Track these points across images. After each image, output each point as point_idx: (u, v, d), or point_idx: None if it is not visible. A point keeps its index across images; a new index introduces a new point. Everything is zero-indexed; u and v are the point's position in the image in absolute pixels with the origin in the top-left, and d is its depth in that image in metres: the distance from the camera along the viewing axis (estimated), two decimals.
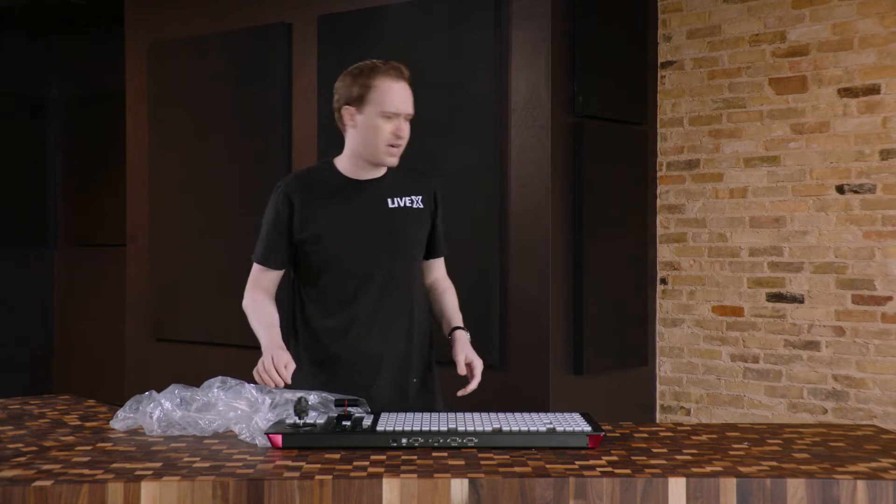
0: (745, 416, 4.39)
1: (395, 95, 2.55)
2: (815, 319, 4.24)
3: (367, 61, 2.59)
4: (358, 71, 2.58)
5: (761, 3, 4.36)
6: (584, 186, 4.22)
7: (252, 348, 5.01)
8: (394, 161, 2.59)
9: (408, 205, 2.67)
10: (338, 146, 4.68)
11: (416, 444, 2.11)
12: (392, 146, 2.56)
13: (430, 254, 2.78)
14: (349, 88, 2.58)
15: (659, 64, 4.64)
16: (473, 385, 2.61)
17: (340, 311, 2.64)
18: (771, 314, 4.34)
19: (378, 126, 2.55)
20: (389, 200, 2.65)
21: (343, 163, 2.68)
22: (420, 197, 2.70)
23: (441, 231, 2.80)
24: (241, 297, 5.18)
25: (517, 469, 1.93)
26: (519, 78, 4.16)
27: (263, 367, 2.44)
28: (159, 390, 2.34)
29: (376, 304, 2.64)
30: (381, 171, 2.66)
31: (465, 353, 2.64)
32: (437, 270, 2.84)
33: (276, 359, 2.44)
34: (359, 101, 2.56)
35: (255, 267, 2.76)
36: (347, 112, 2.59)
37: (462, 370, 2.62)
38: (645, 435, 2.29)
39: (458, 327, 2.74)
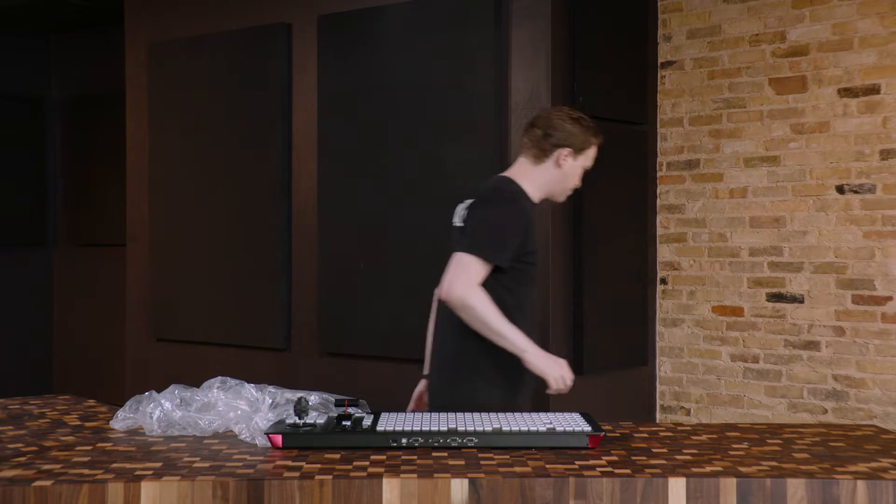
0: (745, 416, 4.39)
1: (593, 158, 2.98)
2: (815, 319, 4.24)
3: (590, 120, 2.94)
4: (588, 126, 2.91)
5: (761, 3, 4.36)
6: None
7: (252, 348, 5.03)
8: (562, 200, 3.04)
9: None
10: (337, 145, 4.69)
11: (416, 444, 2.11)
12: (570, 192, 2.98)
13: None
14: (579, 137, 2.88)
15: (659, 64, 4.64)
16: None
17: (526, 320, 2.85)
18: (771, 314, 4.34)
19: (577, 175, 2.93)
20: None
21: (526, 185, 2.90)
22: None
23: None
24: (241, 297, 5.21)
25: (517, 469, 1.93)
26: (519, 78, 4.16)
27: (559, 375, 2.72)
28: (159, 390, 2.34)
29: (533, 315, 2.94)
30: None
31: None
32: None
33: (565, 364, 2.75)
34: (578, 151, 2.89)
35: (481, 265, 2.72)
36: (564, 153, 2.87)
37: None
38: (645, 435, 2.29)
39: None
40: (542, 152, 2.88)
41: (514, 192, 2.84)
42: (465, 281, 2.69)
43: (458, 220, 2.90)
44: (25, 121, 7.00)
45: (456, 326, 2.78)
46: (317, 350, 4.74)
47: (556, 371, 2.71)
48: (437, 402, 2.86)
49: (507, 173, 2.94)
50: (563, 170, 2.88)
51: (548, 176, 2.89)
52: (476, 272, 2.71)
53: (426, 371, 3.03)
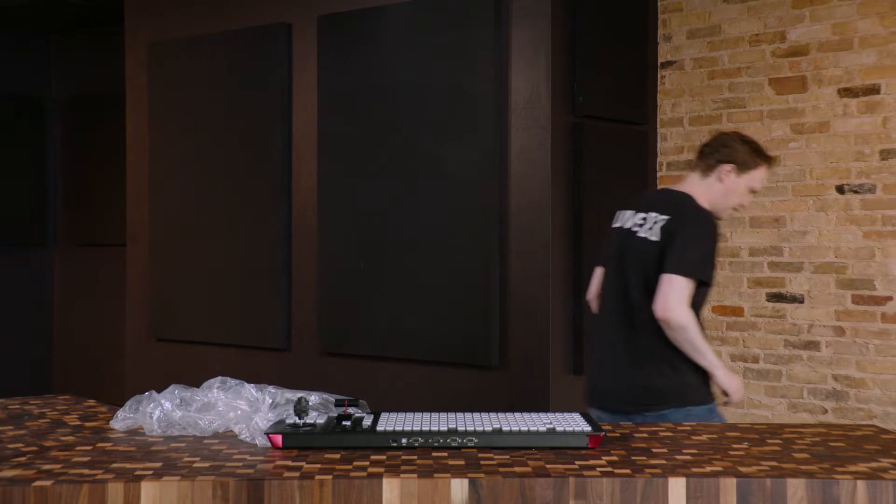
0: (745, 416, 4.39)
1: (763, 182, 3.10)
2: (815, 319, 4.24)
3: (763, 146, 3.09)
4: (757, 149, 3.05)
5: (761, 3, 4.36)
6: (584, 186, 4.22)
7: (252, 348, 5.03)
8: (725, 217, 3.12)
9: None
10: (337, 145, 4.69)
11: (416, 444, 2.11)
12: (734, 210, 3.09)
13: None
14: (745, 156, 3.02)
15: (659, 64, 4.64)
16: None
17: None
18: (771, 314, 4.34)
19: (742, 194, 3.04)
20: None
21: (698, 200, 3.05)
22: None
23: None
24: (241, 297, 5.21)
25: (517, 469, 1.93)
26: (519, 78, 4.16)
27: (740, 391, 3.00)
28: (159, 390, 2.34)
29: None
30: None
31: None
32: None
33: (740, 381, 3.03)
34: (742, 169, 3.01)
35: (693, 286, 2.93)
36: (727, 169, 3.01)
37: None
38: (645, 435, 2.29)
39: None
40: (707, 167, 3.06)
41: (709, 212, 3.03)
42: (681, 303, 2.89)
43: (644, 232, 3.02)
44: (25, 121, 7.00)
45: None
46: (317, 350, 4.74)
47: (737, 386, 3.00)
48: (635, 383, 3.02)
49: (681, 188, 3.11)
50: (724, 185, 3.02)
51: (712, 192, 3.04)
52: (689, 294, 2.91)
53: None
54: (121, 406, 2.38)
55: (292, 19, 4.87)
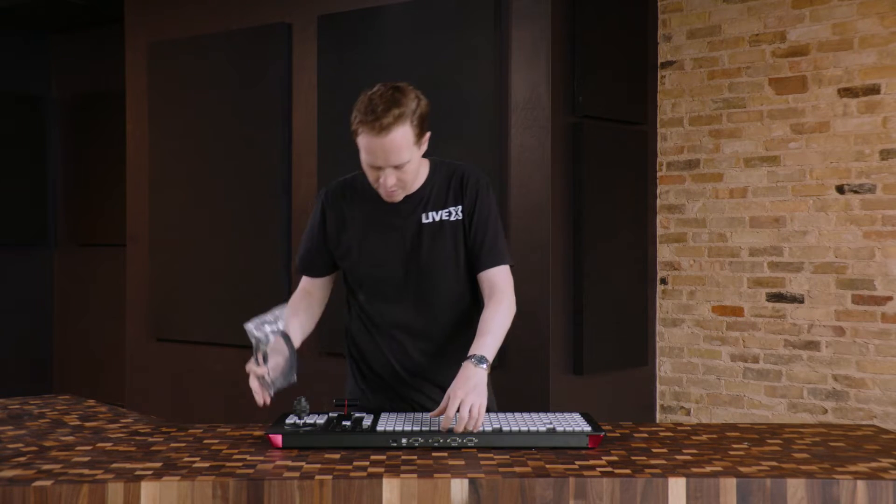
0: (745, 416, 4.39)
1: (373, 152, 2.31)
2: (815, 319, 4.24)
3: (362, 98, 2.32)
4: (354, 110, 2.33)
5: (761, 3, 4.36)
6: (584, 186, 4.22)
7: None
8: (392, 200, 2.43)
9: (444, 218, 2.49)
10: (336, 146, 4.69)
11: (416, 444, 2.11)
12: (385, 190, 2.40)
13: (476, 267, 2.54)
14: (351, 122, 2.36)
15: (659, 64, 4.64)
16: (447, 423, 2.17)
17: (374, 329, 2.60)
18: (771, 314, 4.34)
19: (368, 170, 2.39)
20: (424, 216, 2.48)
21: None
22: (459, 207, 2.51)
23: (484, 239, 2.52)
24: (241, 297, 5.21)
25: (517, 469, 1.93)
26: (519, 78, 4.16)
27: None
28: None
29: (407, 322, 2.53)
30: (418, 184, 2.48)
31: (453, 387, 2.22)
32: (487, 282, 2.56)
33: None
34: (355, 139, 2.37)
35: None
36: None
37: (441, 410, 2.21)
38: (645, 435, 2.29)
39: (469, 357, 2.32)
40: None
41: (326, 189, 2.62)
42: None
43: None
44: (25, 121, 7.00)
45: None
46: (316, 350, 4.74)
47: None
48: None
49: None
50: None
51: None
52: (301, 282, 2.87)
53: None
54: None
55: (292, 19, 4.87)
